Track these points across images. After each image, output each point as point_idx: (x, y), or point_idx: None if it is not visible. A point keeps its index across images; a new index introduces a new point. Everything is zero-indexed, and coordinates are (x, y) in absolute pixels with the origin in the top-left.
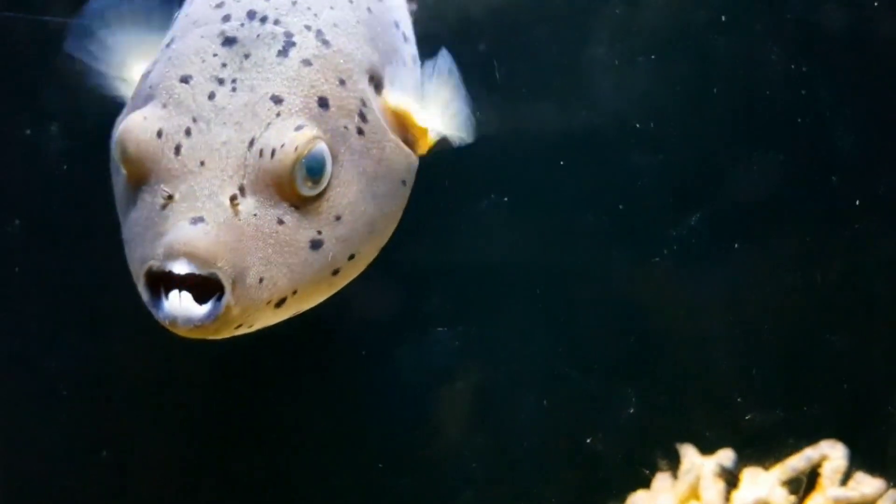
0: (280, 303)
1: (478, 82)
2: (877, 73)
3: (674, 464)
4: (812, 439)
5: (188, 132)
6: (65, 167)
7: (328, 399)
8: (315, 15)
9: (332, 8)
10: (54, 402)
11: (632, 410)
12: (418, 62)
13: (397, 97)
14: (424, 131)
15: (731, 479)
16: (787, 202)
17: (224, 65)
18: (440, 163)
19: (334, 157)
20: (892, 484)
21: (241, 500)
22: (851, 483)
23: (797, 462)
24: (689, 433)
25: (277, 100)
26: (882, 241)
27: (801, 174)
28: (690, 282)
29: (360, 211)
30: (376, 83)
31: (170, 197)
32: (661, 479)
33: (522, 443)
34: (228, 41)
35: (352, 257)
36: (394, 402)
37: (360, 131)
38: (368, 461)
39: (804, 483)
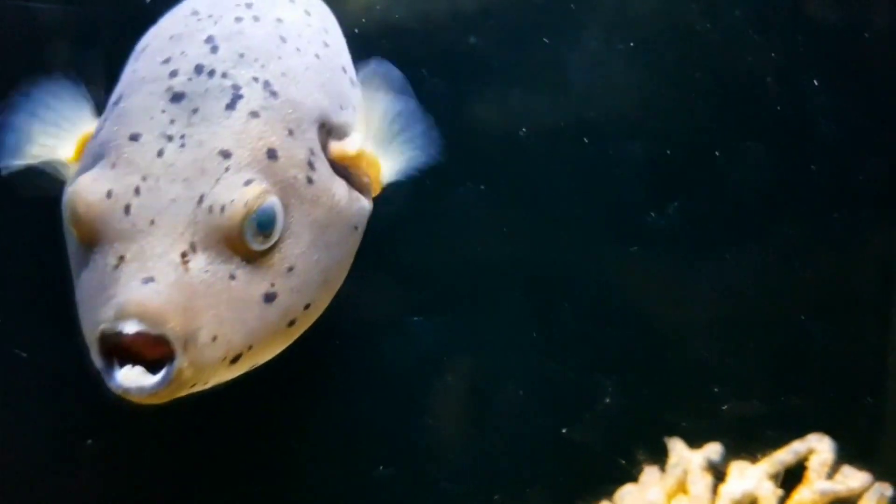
0: (235, 359)
1: (454, 72)
2: (864, 63)
3: (652, 454)
4: (792, 430)
5: (137, 191)
6: None
7: (311, 390)
8: (262, 66)
9: (280, 58)
10: (42, 395)
11: (608, 400)
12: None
13: (347, 142)
14: (376, 175)
15: (718, 472)
16: (770, 192)
17: (173, 121)
18: None
19: (285, 209)
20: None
21: (226, 489)
22: (838, 476)
23: (785, 455)
24: (667, 423)
25: (226, 154)
26: (868, 232)
27: (786, 164)
28: (671, 272)
29: (313, 260)
30: (327, 129)
31: (121, 258)
32: (649, 473)
33: (501, 433)
34: (177, 97)
35: (307, 307)
36: (376, 392)
37: (310, 180)
38: (351, 451)
39: (781, 476)
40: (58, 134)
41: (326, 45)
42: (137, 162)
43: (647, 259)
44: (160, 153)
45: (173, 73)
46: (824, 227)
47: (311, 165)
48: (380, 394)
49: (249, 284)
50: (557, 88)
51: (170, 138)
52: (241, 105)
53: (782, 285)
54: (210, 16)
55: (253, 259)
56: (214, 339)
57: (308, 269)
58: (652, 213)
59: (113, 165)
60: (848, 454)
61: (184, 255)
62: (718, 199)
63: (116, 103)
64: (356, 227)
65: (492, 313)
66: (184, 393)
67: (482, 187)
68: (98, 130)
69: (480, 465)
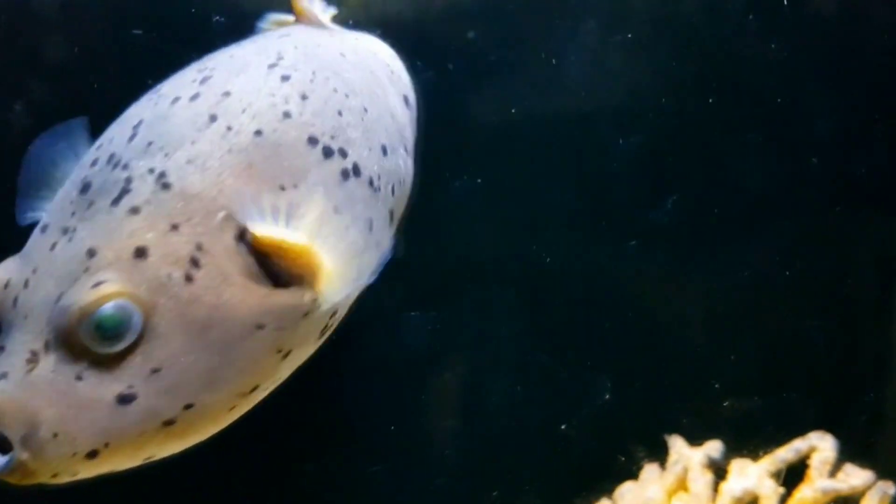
0: (92, 454)
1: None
2: (862, 56)
3: (651, 451)
4: (791, 427)
5: (26, 284)
6: None
7: (305, 387)
8: (166, 155)
9: (193, 143)
10: None
11: (607, 397)
12: (364, 170)
13: (273, 228)
14: (311, 267)
15: (719, 470)
16: (767, 188)
17: (73, 213)
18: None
19: (150, 309)
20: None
21: (222, 486)
22: (840, 475)
23: (786, 453)
24: (666, 421)
25: (91, 253)
26: (869, 228)
27: (785, 159)
28: (669, 267)
29: (187, 362)
30: (249, 214)
31: (1, 349)
32: (649, 471)
33: (498, 430)
34: (85, 187)
35: (189, 407)
36: (370, 389)
37: (189, 278)
38: (346, 448)
39: (783, 474)
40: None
41: (288, 115)
42: (35, 254)
43: (645, 254)
44: (53, 247)
45: (94, 162)
46: (824, 223)
47: (193, 262)
48: (375, 390)
49: (98, 386)
50: (554, 82)
51: (65, 231)
52: (124, 201)
53: (782, 281)
54: (161, 96)
55: (105, 360)
56: (55, 436)
57: (181, 371)
58: (647, 207)
59: (21, 255)
60: (849, 451)
61: (34, 353)
62: (717, 194)
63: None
64: (261, 326)
65: (488, 309)
66: (49, 480)
67: (478, 181)
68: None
69: (478, 462)
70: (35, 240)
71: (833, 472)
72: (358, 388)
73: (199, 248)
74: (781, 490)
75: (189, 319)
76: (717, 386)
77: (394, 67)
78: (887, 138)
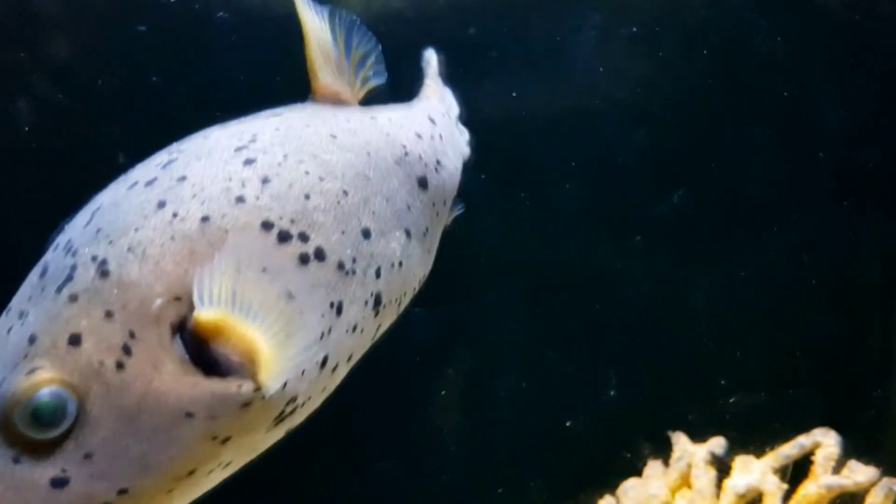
0: None
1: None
2: (870, 49)
3: (656, 447)
4: (798, 423)
5: None
6: None
7: None
8: (110, 243)
9: (136, 230)
10: None
11: (613, 393)
12: (329, 254)
13: (210, 313)
14: (250, 350)
15: (722, 466)
16: (776, 181)
17: (30, 297)
18: None
19: (83, 396)
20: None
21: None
22: (845, 471)
23: (790, 450)
24: (672, 416)
25: (32, 339)
26: (876, 223)
27: (791, 153)
28: (675, 263)
29: (118, 447)
30: (185, 302)
31: None
32: (653, 467)
33: (502, 426)
34: (43, 272)
35: (123, 492)
36: (375, 384)
37: (120, 365)
38: (351, 444)
39: (790, 470)
40: None
41: (242, 200)
42: None
43: (651, 250)
44: (9, 331)
45: (56, 247)
46: (831, 218)
47: (125, 350)
48: (380, 386)
49: (33, 470)
50: (558, 76)
51: (20, 315)
52: (66, 288)
53: (788, 277)
54: (125, 179)
55: (42, 445)
56: None
57: (113, 456)
58: (653, 201)
59: None
60: (854, 448)
61: None
62: (723, 188)
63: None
64: (190, 415)
65: (493, 305)
66: None
67: (482, 176)
68: None
69: (483, 458)
70: None
71: (838, 469)
72: (364, 384)
73: (131, 335)
74: (785, 486)
75: (119, 406)
76: (723, 382)
77: (418, 150)
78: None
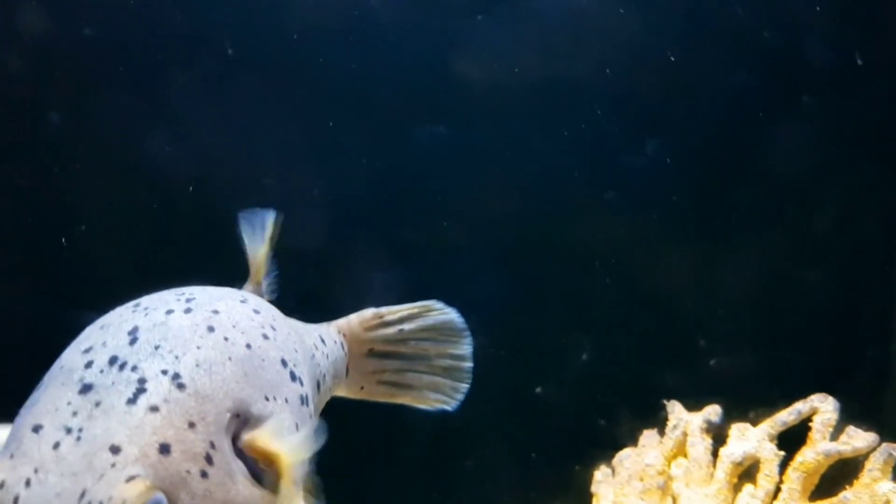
0: None
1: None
2: None
3: (633, 414)
4: (786, 385)
5: (28, 483)
6: None
7: None
8: (176, 357)
9: (199, 348)
10: None
11: (585, 357)
12: (310, 402)
13: (263, 436)
14: (286, 474)
15: (718, 434)
16: (761, 129)
17: (75, 413)
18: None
19: (174, 502)
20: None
21: None
22: (843, 437)
23: (786, 416)
24: (649, 382)
25: (115, 450)
26: (872, 175)
27: (778, 99)
28: (648, 216)
29: None
30: (244, 419)
31: None
32: (648, 437)
33: (471, 392)
34: (85, 388)
35: None
36: None
37: (204, 474)
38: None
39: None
40: None
41: (266, 337)
42: (33, 454)
43: (624, 205)
44: (56, 445)
45: (88, 364)
46: (824, 170)
47: (208, 459)
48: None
49: None
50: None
51: (69, 431)
52: (142, 399)
53: (773, 231)
54: (146, 308)
55: None
56: None
57: None
58: (628, 153)
59: (11, 456)
60: (848, 411)
61: None
62: (702, 139)
63: (37, 389)
64: None
65: (462, 267)
66: None
67: (452, 132)
68: (18, 416)
69: (449, 430)
70: (27, 441)
71: (836, 435)
72: None
73: (212, 445)
74: (782, 453)
75: None
76: (702, 343)
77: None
78: (890, 78)
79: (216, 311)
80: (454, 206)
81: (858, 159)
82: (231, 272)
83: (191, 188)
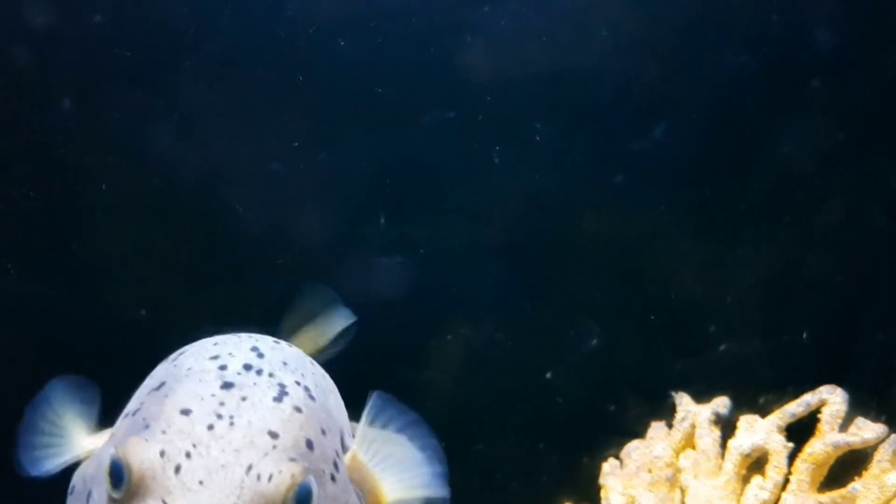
0: None
1: None
2: None
3: (641, 399)
4: (793, 370)
5: (188, 455)
6: None
7: None
8: (302, 375)
9: (313, 374)
10: None
11: (595, 342)
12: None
13: (358, 460)
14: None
15: (727, 426)
16: (766, 113)
17: (222, 403)
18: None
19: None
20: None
21: None
22: (852, 428)
23: (795, 408)
24: (658, 367)
25: (274, 435)
26: (879, 158)
27: (783, 82)
28: (657, 201)
29: None
30: (343, 445)
31: None
32: (656, 429)
33: (477, 379)
34: (227, 385)
35: None
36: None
37: (334, 478)
38: None
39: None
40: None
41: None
42: (188, 431)
43: (632, 189)
44: (210, 427)
45: (223, 367)
46: (833, 156)
47: (335, 466)
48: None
49: None
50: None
51: (220, 416)
52: (287, 400)
53: (782, 215)
54: (246, 338)
55: None
56: None
57: None
58: (634, 137)
59: (164, 431)
60: (856, 397)
61: None
62: (711, 124)
63: (157, 389)
64: None
65: (466, 252)
66: None
67: (451, 114)
68: (134, 411)
69: (458, 414)
70: (178, 421)
71: (844, 426)
72: None
73: (337, 454)
74: (791, 445)
75: None
76: (712, 329)
77: None
78: None
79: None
80: (460, 192)
81: (868, 145)
82: (237, 258)
83: (196, 174)
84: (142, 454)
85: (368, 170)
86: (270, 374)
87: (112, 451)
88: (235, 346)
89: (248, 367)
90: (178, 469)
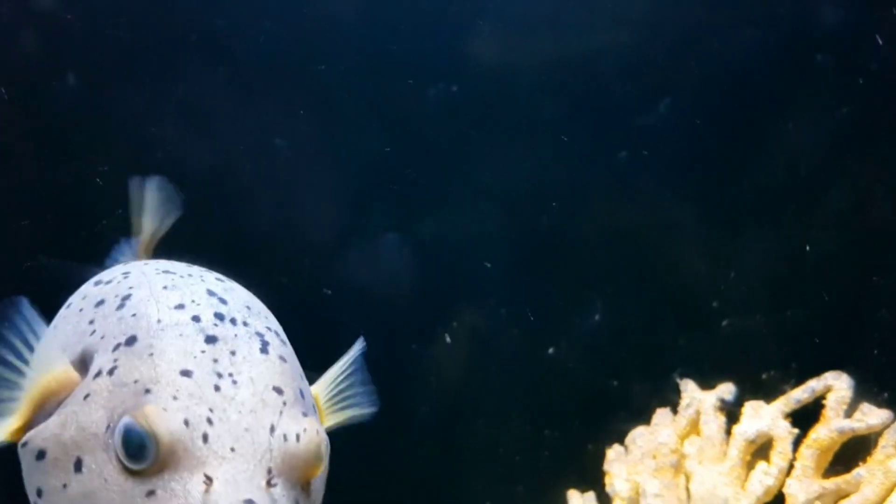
0: None
1: None
2: None
3: (644, 376)
4: (796, 346)
5: (210, 421)
6: None
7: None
8: (266, 318)
9: (267, 315)
10: None
11: (598, 318)
12: None
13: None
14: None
15: (732, 412)
16: (773, 90)
17: (216, 360)
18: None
19: None
20: None
21: None
22: (857, 414)
23: (800, 394)
24: (660, 343)
25: (279, 390)
26: (883, 136)
27: (789, 57)
28: (661, 178)
29: (320, 493)
30: None
31: (208, 481)
32: (661, 415)
33: (480, 355)
34: (210, 339)
35: None
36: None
37: (317, 420)
38: None
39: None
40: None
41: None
42: (198, 395)
43: (636, 165)
44: (217, 388)
45: (196, 318)
46: (835, 129)
47: (314, 409)
48: (351, 317)
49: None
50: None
51: (220, 375)
52: (271, 350)
53: (785, 190)
54: (190, 275)
55: (306, 487)
56: None
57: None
58: (637, 113)
59: (174, 397)
60: (860, 375)
61: (269, 481)
62: (715, 96)
63: (128, 345)
64: None
65: (469, 228)
66: None
67: (454, 88)
68: (108, 370)
69: (461, 390)
70: (184, 384)
71: (849, 412)
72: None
73: (312, 398)
74: (796, 431)
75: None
76: (715, 304)
77: None
78: None
79: (248, 307)
80: (465, 169)
81: (876, 126)
82: (242, 238)
83: (202, 158)
84: (170, 424)
85: (375, 152)
86: (245, 324)
87: (127, 419)
88: (191, 291)
89: (220, 317)
90: (205, 438)
